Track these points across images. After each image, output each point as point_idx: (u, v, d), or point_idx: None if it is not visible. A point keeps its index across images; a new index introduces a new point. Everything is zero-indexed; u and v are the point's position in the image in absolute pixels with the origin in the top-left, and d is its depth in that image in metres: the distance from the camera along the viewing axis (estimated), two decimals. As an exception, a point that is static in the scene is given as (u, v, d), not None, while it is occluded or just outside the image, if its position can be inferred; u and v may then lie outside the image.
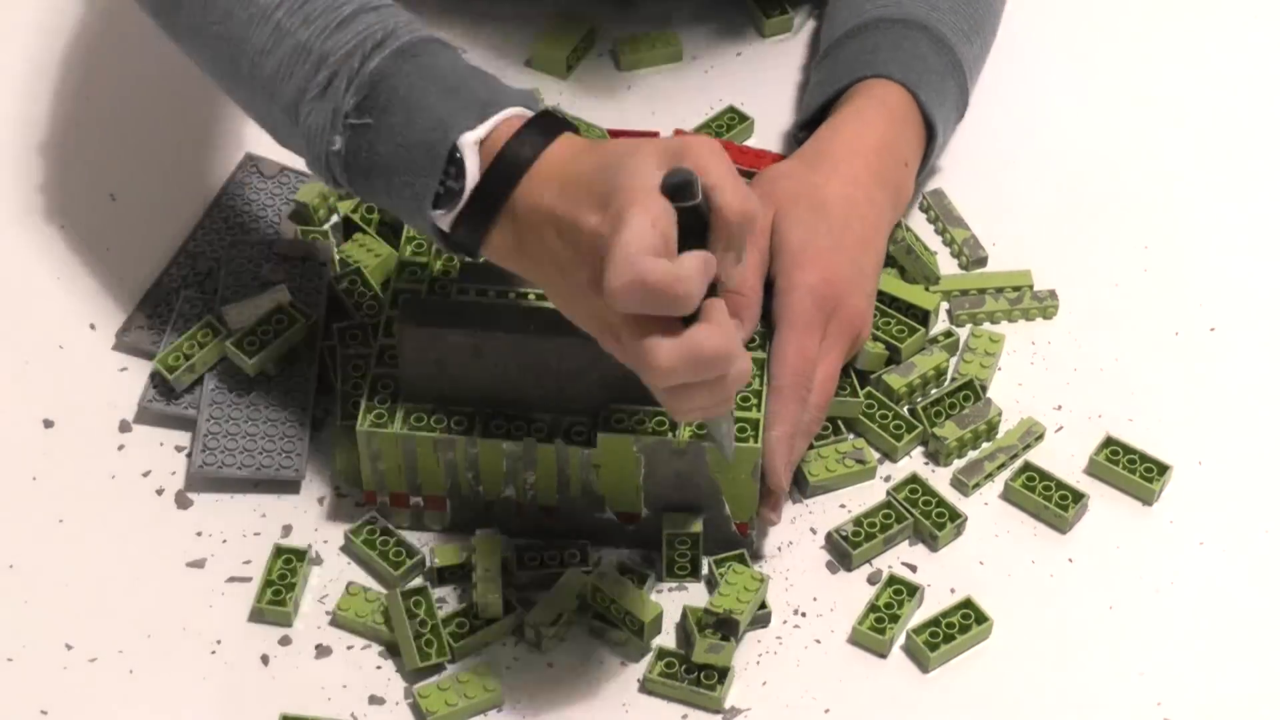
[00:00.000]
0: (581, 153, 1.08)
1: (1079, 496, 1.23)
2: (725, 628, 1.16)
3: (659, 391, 1.06)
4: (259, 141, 1.42)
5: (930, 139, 1.33)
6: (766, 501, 1.20)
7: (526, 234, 1.09)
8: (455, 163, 1.09)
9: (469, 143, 1.09)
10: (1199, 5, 1.54)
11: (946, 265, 1.35)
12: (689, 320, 1.04)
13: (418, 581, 1.19)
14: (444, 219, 1.10)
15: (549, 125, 1.10)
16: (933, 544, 1.21)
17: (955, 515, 1.21)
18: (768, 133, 1.43)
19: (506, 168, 1.08)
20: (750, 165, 1.37)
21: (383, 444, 1.19)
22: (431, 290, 1.22)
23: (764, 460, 1.18)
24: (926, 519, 1.21)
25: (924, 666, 1.17)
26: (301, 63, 1.14)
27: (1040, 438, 1.26)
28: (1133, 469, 1.24)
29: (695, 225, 1.05)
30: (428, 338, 1.16)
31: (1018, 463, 1.25)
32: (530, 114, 1.10)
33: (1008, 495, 1.24)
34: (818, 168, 1.28)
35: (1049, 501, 1.22)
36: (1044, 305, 1.33)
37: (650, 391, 1.07)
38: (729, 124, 1.44)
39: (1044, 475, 1.24)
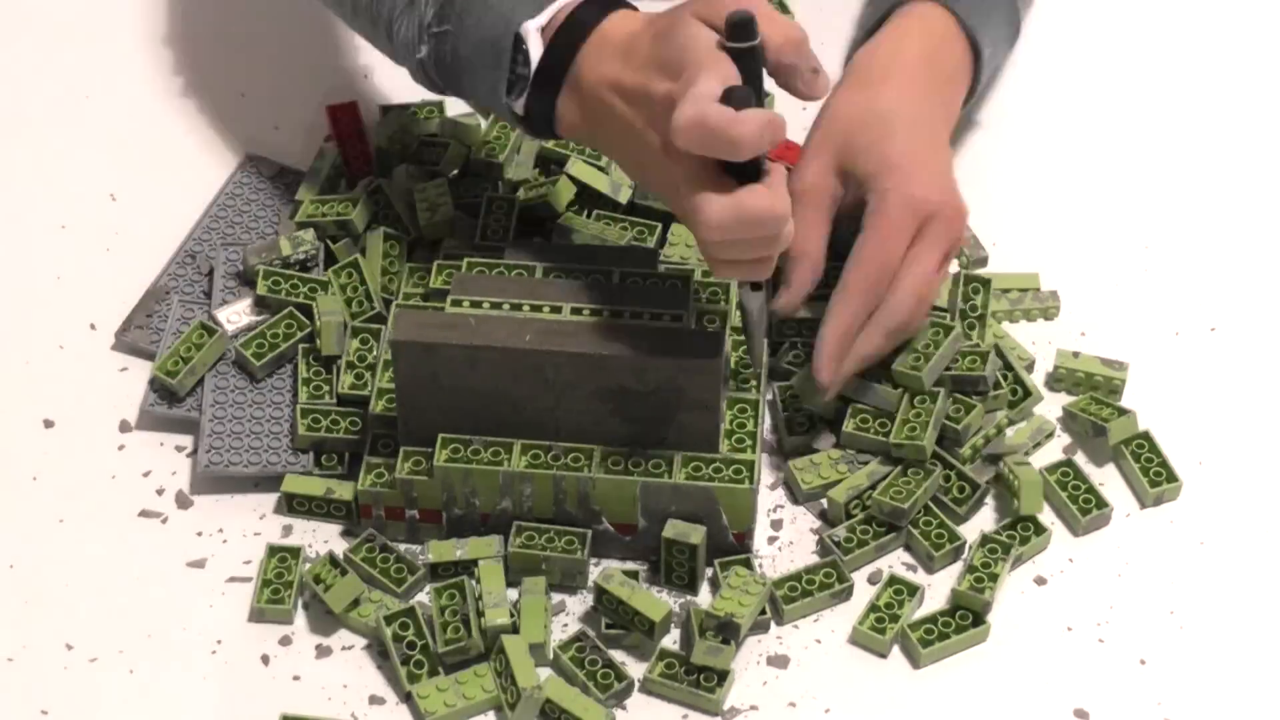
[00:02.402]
0: (639, 25, 1.15)
1: (1103, 504, 1.22)
2: (726, 631, 1.16)
3: (704, 244, 1.12)
4: (258, 142, 1.42)
5: (977, 59, 1.33)
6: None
7: (595, 105, 1.16)
8: (522, 51, 1.17)
9: (531, 29, 1.17)
10: (1199, 5, 1.53)
11: (946, 265, 1.35)
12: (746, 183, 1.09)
13: (382, 609, 1.17)
14: (518, 104, 1.18)
15: (605, 3, 1.17)
16: (929, 564, 1.21)
17: (955, 538, 1.21)
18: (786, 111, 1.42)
19: (564, 42, 1.16)
20: (778, 157, 1.37)
21: (384, 496, 1.20)
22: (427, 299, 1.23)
23: (813, 356, 1.21)
24: (925, 539, 1.21)
25: (915, 662, 1.17)
26: None
27: (1050, 435, 1.26)
28: (1146, 468, 1.24)
29: (754, 69, 1.11)
30: (422, 351, 1.16)
31: (1054, 456, 1.25)
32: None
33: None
34: (866, 84, 1.29)
35: (1074, 501, 1.22)
36: (1045, 306, 1.33)
37: (644, 400, 1.08)
38: None
39: (1078, 474, 1.23)
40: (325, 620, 1.19)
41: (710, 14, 1.12)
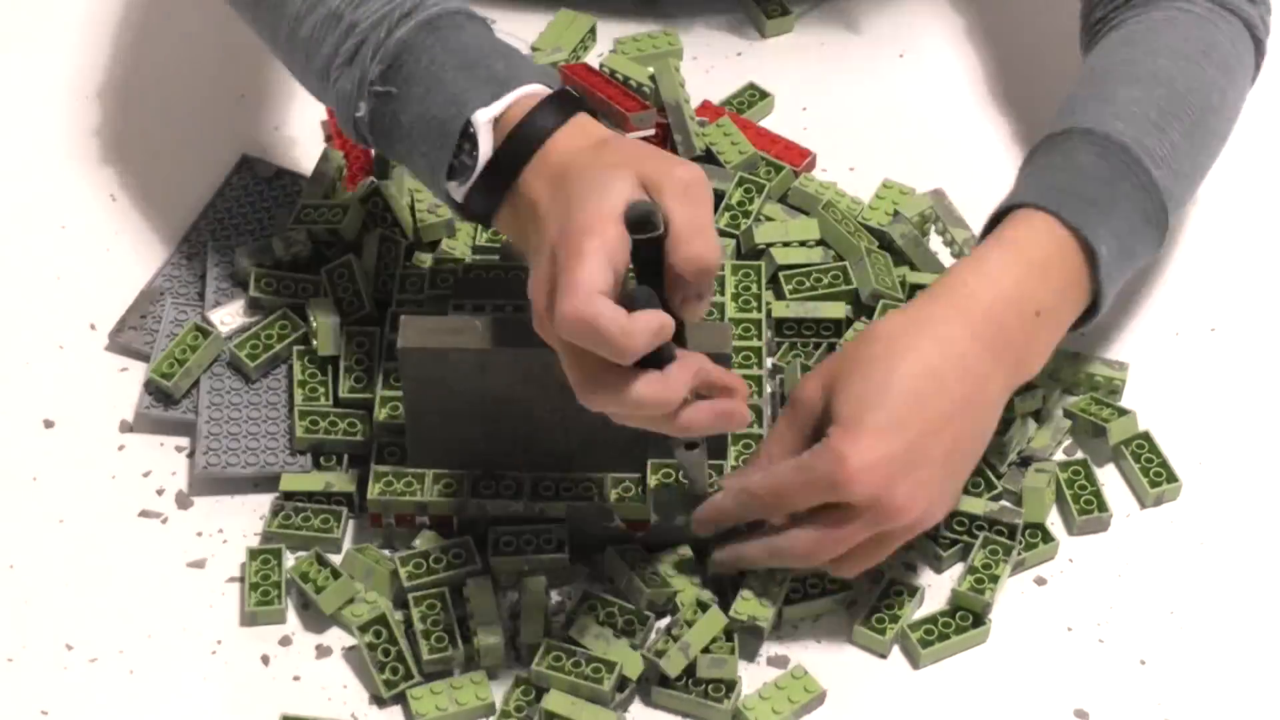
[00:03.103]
0: (582, 149, 1.09)
1: (1103, 508, 1.22)
2: (749, 637, 1.16)
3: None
4: (258, 143, 1.42)
5: (1095, 274, 1.17)
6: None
7: (523, 217, 1.10)
8: (469, 138, 1.11)
9: (483, 120, 1.10)
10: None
11: (948, 265, 1.35)
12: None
13: (374, 610, 1.17)
14: (458, 190, 1.12)
15: (563, 106, 1.10)
16: (936, 565, 1.21)
17: (965, 545, 1.21)
18: (786, 111, 1.44)
19: (517, 148, 1.10)
20: (764, 149, 1.38)
21: (394, 504, 1.20)
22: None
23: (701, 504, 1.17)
24: (933, 540, 1.20)
25: (915, 662, 1.17)
26: (333, 29, 1.16)
27: (1066, 433, 1.26)
28: (1146, 468, 1.24)
29: (657, 258, 1.06)
30: (431, 357, 1.16)
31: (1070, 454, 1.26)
32: (546, 92, 1.11)
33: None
34: (909, 329, 1.13)
35: (1075, 500, 1.22)
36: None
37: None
38: (750, 100, 1.44)
39: (1088, 475, 1.23)
40: (322, 619, 1.19)
41: (650, 175, 1.06)
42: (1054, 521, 1.23)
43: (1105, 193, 1.18)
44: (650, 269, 1.07)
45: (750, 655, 1.17)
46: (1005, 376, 1.15)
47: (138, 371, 1.29)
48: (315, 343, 1.26)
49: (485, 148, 1.10)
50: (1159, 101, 1.23)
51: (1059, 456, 1.25)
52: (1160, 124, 1.22)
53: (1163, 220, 1.21)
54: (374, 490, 1.19)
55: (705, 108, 1.43)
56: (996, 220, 1.19)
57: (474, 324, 1.16)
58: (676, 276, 1.06)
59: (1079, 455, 1.25)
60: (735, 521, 1.16)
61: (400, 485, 1.19)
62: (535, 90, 1.11)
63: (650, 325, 1.03)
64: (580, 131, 1.10)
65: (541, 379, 1.15)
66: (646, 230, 1.05)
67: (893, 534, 1.13)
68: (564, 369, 1.06)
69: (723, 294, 1.24)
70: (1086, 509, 1.22)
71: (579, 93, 1.11)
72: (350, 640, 1.18)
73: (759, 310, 1.26)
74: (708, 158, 1.37)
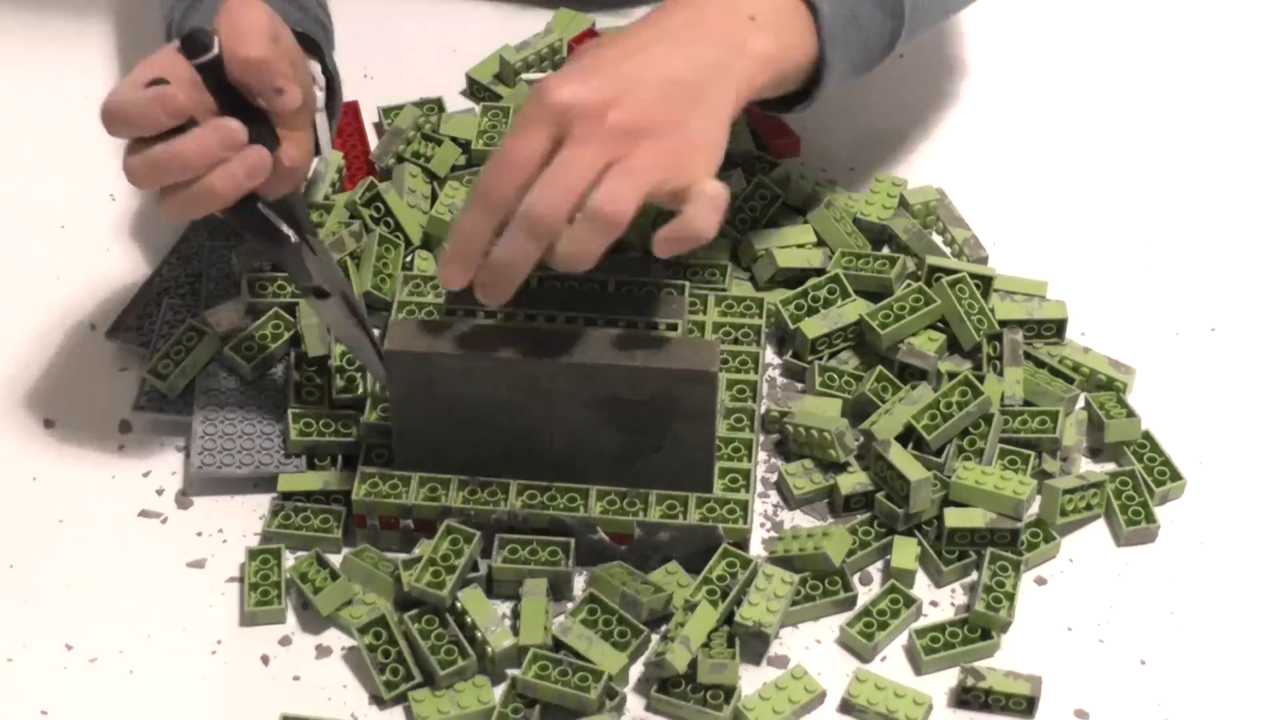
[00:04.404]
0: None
1: (1152, 518, 1.22)
2: (757, 642, 1.15)
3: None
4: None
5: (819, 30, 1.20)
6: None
7: None
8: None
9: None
10: (1199, 5, 1.54)
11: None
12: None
13: (373, 613, 1.16)
14: None
15: None
16: (937, 579, 1.21)
17: (965, 554, 1.21)
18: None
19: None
20: (762, 128, 1.40)
21: (379, 505, 1.20)
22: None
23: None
24: (936, 554, 1.20)
25: (918, 669, 1.17)
26: None
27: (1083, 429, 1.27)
28: (1150, 465, 1.24)
29: (221, 82, 1.15)
30: (416, 361, 1.16)
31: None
32: None
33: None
34: (630, 28, 1.19)
35: (1125, 511, 1.22)
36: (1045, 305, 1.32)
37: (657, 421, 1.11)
38: None
39: (1136, 486, 1.23)
40: (321, 619, 1.18)
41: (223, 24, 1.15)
42: (1101, 531, 1.23)
43: None
44: (224, 96, 1.15)
45: (756, 659, 1.17)
46: (715, 50, 1.16)
47: (138, 371, 1.29)
48: (303, 344, 1.26)
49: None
50: None
51: (1109, 467, 1.25)
52: None
53: (897, 7, 1.25)
54: (359, 492, 1.19)
55: None
56: None
57: (461, 329, 1.16)
58: (236, 74, 1.15)
59: (1127, 467, 1.25)
60: (481, 232, 1.13)
61: (385, 488, 1.19)
62: None
63: (147, 93, 1.12)
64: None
65: (526, 387, 1.15)
66: (200, 53, 1.14)
67: (632, 152, 1.11)
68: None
69: (704, 311, 1.25)
70: (1135, 520, 1.22)
71: None
72: (350, 641, 1.18)
73: (756, 343, 1.26)
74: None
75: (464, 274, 1.13)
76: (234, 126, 1.13)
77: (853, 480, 1.22)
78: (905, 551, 1.19)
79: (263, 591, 1.18)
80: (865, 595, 1.20)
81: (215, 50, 1.14)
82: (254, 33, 1.14)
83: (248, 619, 1.18)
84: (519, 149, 1.11)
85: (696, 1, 1.18)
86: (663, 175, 1.11)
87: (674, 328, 1.18)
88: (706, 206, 1.11)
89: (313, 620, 1.19)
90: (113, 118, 1.13)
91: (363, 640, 1.15)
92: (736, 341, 1.26)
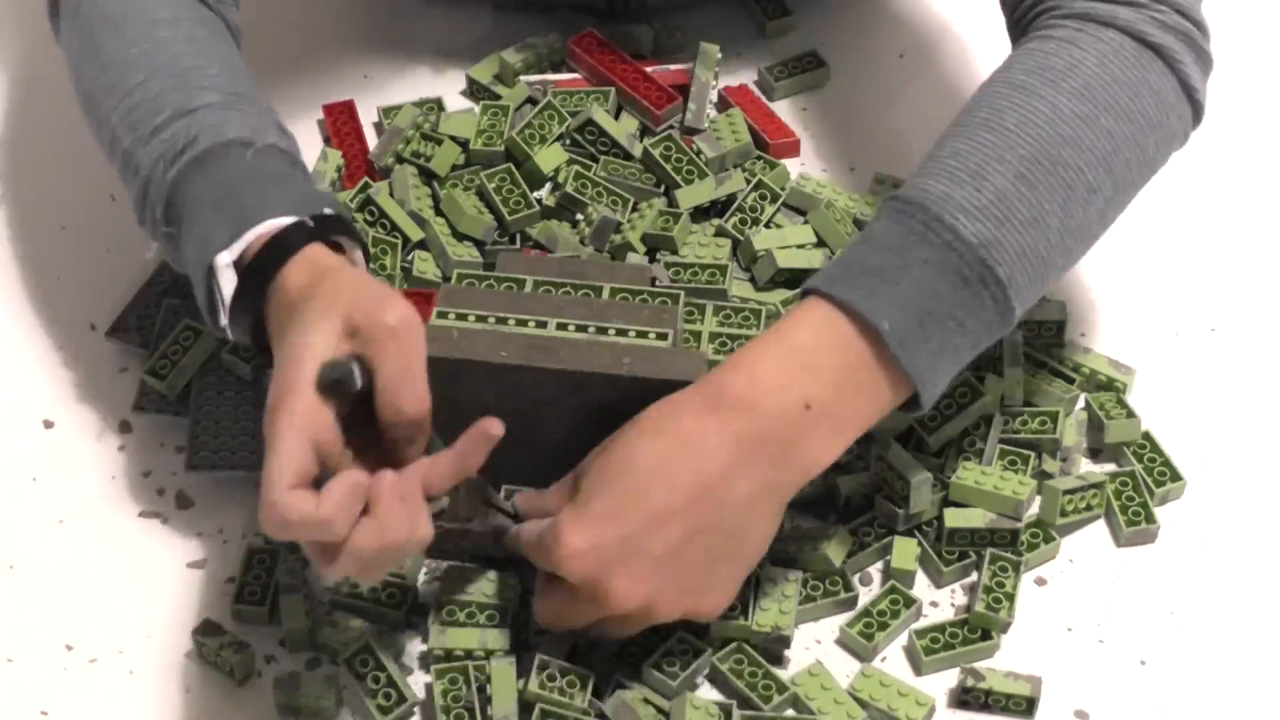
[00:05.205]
0: (302, 288, 1.06)
1: (1152, 519, 1.22)
2: (776, 647, 1.15)
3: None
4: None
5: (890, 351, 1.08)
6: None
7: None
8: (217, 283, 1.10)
9: (222, 264, 1.09)
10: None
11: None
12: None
13: (359, 640, 1.15)
14: (220, 326, 1.12)
15: (296, 237, 1.08)
16: (937, 579, 1.21)
17: (965, 555, 1.21)
18: (786, 111, 1.43)
19: (251, 287, 1.08)
20: (763, 127, 1.40)
21: None
22: None
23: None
24: (936, 555, 1.20)
25: (918, 669, 1.17)
26: (128, 169, 1.16)
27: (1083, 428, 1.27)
28: (1150, 467, 1.24)
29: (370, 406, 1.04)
30: None
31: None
32: (286, 223, 1.09)
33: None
34: (662, 416, 1.09)
35: (1125, 512, 1.22)
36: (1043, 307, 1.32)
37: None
38: (805, 66, 1.45)
39: (1136, 486, 1.23)
40: (316, 623, 1.19)
41: (359, 321, 1.03)
42: (1101, 531, 1.23)
43: (893, 261, 1.08)
44: (360, 419, 1.05)
45: (777, 661, 1.16)
46: (763, 472, 1.08)
47: (138, 371, 1.29)
48: None
49: (227, 290, 1.09)
50: (984, 147, 1.11)
51: (1109, 467, 1.25)
52: (980, 171, 1.10)
53: (987, 275, 1.09)
54: None
55: (739, 90, 1.45)
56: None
57: (450, 333, 1.16)
58: (384, 424, 1.04)
59: (1127, 468, 1.25)
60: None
61: None
62: (274, 225, 1.09)
63: (337, 496, 1.00)
64: (305, 267, 1.08)
65: (515, 393, 1.15)
66: (343, 391, 1.03)
67: (628, 619, 1.09)
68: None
69: (701, 320, 1.25)
70: (1135, 520, 1.22)
71: (336, 212, 1.11)
72: (350, 640, 1.18)
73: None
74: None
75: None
76: (426, 534, 1.04)
77: (853, 481, 1.22)
78: (905, 552, 1.19)
79: (251, 591, 1.18)
80: (865, 596, 1.20)
81: (357, 388, 1.03)
82: (420, 383, 1.04)
83: (232, 616, 1.18)
84: (538, 560, 1.10)
85: (751, 406, 1.07)
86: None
87: (664, 337, 1.18)
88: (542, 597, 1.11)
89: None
90: (301, 533, 1.01)
91: (350, 670, 1.14)
92: (731, 352, 1.26)
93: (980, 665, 1.15)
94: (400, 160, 1.38)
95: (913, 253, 1.08)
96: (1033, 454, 1.23)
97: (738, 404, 1.08)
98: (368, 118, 1.43)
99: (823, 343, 1.08)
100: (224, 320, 1.10)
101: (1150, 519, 1.22)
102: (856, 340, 1.08)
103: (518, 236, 1.34)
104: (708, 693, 1.15)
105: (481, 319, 1.18)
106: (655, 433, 1.08)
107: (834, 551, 1.18)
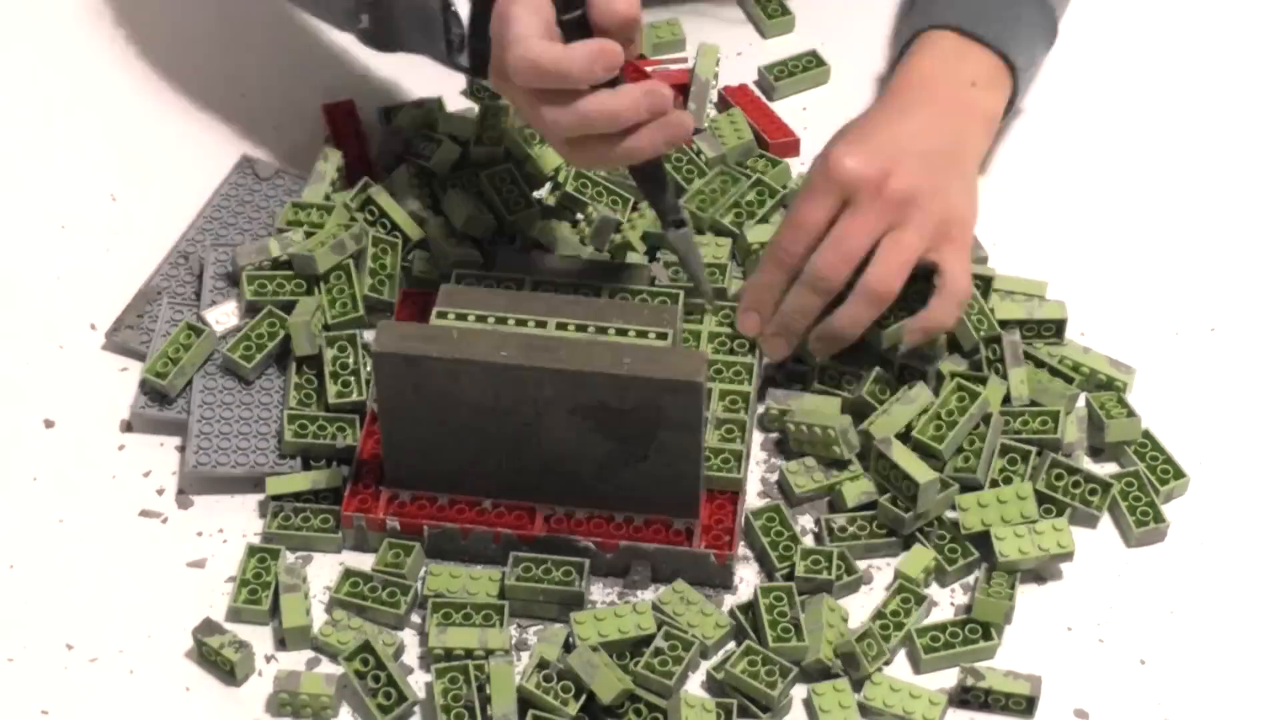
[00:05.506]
0: None
1: (1160, 518, 1.22)
2: (850, 665, 1.15)
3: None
4: (259, 143, 1.42)
5: (1011, 69, 1.33)
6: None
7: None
8: (453, 14, 1.21)
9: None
10: (1198, 6, 1.53)
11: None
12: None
13: (359, 638, 1.15)
14: (462, 58, 1.23)
15: None
16: (941, 579, 1.21)
17: (969, 552, 1.21)
18: (787, 111, 1.44)
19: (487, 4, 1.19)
20: (763, 127, 1.41)
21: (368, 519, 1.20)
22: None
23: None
24: (939, 553, 1.20)
25: (918, 667, 1.17)
26: None
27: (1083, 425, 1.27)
28: (1153, 467, 1.24)
29: (585, 36, 1.14)
30: (403, 363, 1.15)
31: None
32: None
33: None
34: (877, 106, 1.31)
35: (1133, 512, 1.22)
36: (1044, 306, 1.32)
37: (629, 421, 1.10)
38: (805, 66, 1.46)
39: (1143, 486, 1.23)
40: (315, 621, 1.19)
41: None
42: (1101, 531, 1.23)
43: (999, 10, 1.34)
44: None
45: (858, 686, 1.15)
46: (966, 124, 1.30)
47: (138, 372, 1.29)
48: (292, 343, 1.26)
49: (465, 13, 1.21)
50: None
51: (1110, 467, 1.25)
52: None
53: (1050, 29, 1.37)
54: (350, 506, 1.20)
55: (739, 90, 1.45)
56: (909, 41, 1.34)
57: (449, 332, 1.16)
58: (601, 32, 1.15)
59: (1132, 467, 1.24)
60: (774, 287, 1.24)
61: (375, 502, 1.20)
62: None
63: (587, 49, 1.13)
64: None
65: (514, 392, 1.15)
66: (573, 8, 1.14)
67: (905, 221, 1.23)
68: (525, 113, 1.17)
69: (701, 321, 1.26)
70: (1144, 520, 1.22)
71: None
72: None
73: (751, 354, 1.26)
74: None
75: (759, 323, 1.25)
76: (666, 94, 1.16)
77: (857, 489, 1.22)
78: (917, 561, 1.19)
79: (251, 589, 1.18)
80: (867, 597, 1.20)
81: (581, 10, 1.15)
82: None
83: (231, 614, 1.18)
84: (808, 214, 1.23)
85: (924, 80, 1.31)
86: (926, 246, 1.23)
87: (664, 337, 1.18)
88: (950, 302, 1.23)
89: (313, 620, 1.18)
90: (547, 73, 1.13)
91: (349, 667, 1.14)
92: (732, 352, 1.26)
93: (980, 664, 1.15)
94: (400, 160, 1.38)
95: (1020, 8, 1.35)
96: (1033, 452, 1.22)
97: (924, 92, 1.31)
98: (368, 118, 1.43)
99: (966, 52, 1.32)
100: (464, 47, 1.22)
101: (1159, 518, 1.22)
102: (979, 52, 1.32)
103: (518, 236, 1.34)
104: (701, 694, 1.15)
105: (481, 319, 1.18)
106: (868, 114, 1.30)
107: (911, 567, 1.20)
